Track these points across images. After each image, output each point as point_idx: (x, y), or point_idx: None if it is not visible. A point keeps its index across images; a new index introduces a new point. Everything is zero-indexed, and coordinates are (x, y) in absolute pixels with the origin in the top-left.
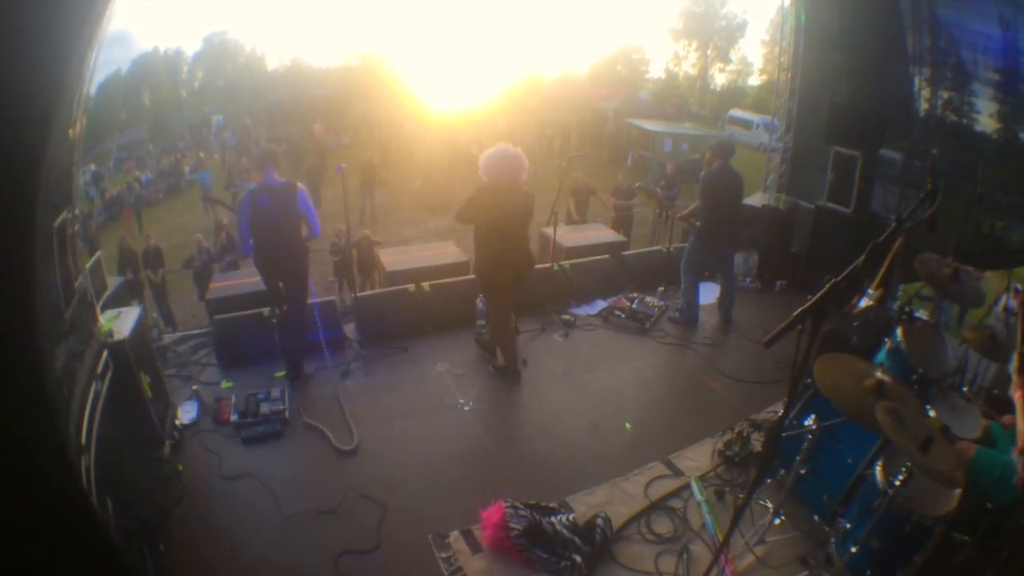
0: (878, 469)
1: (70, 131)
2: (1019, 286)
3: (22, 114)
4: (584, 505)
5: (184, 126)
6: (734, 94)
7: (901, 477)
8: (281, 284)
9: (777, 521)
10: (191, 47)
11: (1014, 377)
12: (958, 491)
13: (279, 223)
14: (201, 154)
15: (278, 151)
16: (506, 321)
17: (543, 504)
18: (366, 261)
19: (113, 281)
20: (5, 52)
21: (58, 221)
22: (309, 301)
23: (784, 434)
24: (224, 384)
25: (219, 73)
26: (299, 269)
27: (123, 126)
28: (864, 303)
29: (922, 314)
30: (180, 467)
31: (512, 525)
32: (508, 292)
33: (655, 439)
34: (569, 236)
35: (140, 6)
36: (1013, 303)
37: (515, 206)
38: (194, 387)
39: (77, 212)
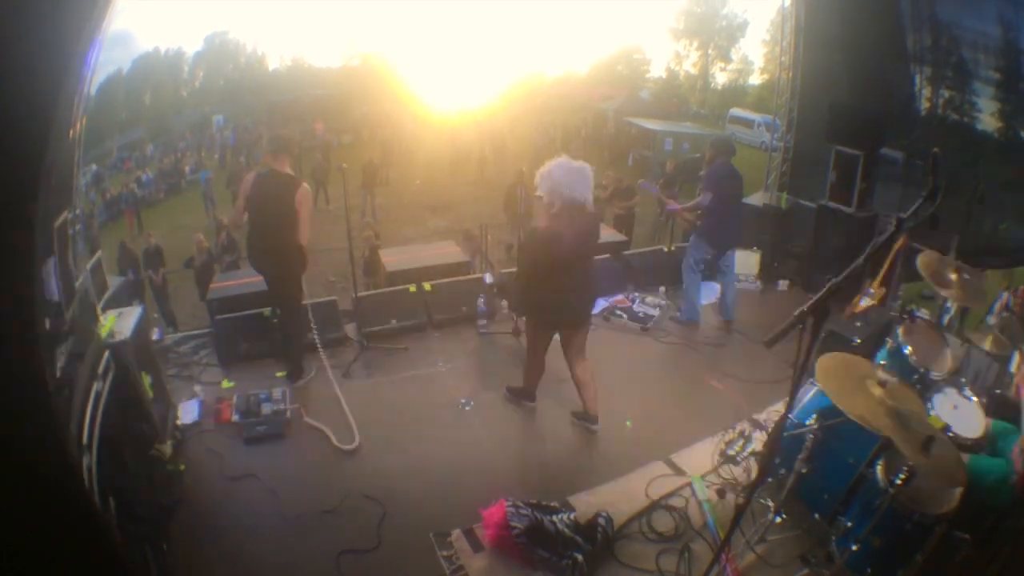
0: (879, 468)
1: (71, 131)
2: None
3: (23, 114)
4: (585, 504)
5: (185, 126)
6: (735, 93)
7: (902, 476)
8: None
9: (778, 520)
10: (192, 47)
11: (1017, 373)
12: (959, 490)
13: (275, 215)
14: (202, 153)
15: (293, 139)
16: (541, 354)
17: (544, 503)
18: (372, 263)
19: (114, 281)
20: (5, 52)
21: (59, 221)
22: (305, 302)
23: (785, 433)
24: (225, 384)
25: (220, 73)
26: (287, 266)
27: (124, 126)
28: (866, 302)
29: (924, 313)
30: (182, 467)
31: (514, 524)
32: (554, 332)
33: (656, 438)
34: None
35: (141, 6)
36: (1011, 300)
37: (581, 233)
38: (195, 387)
39: (78, 212)
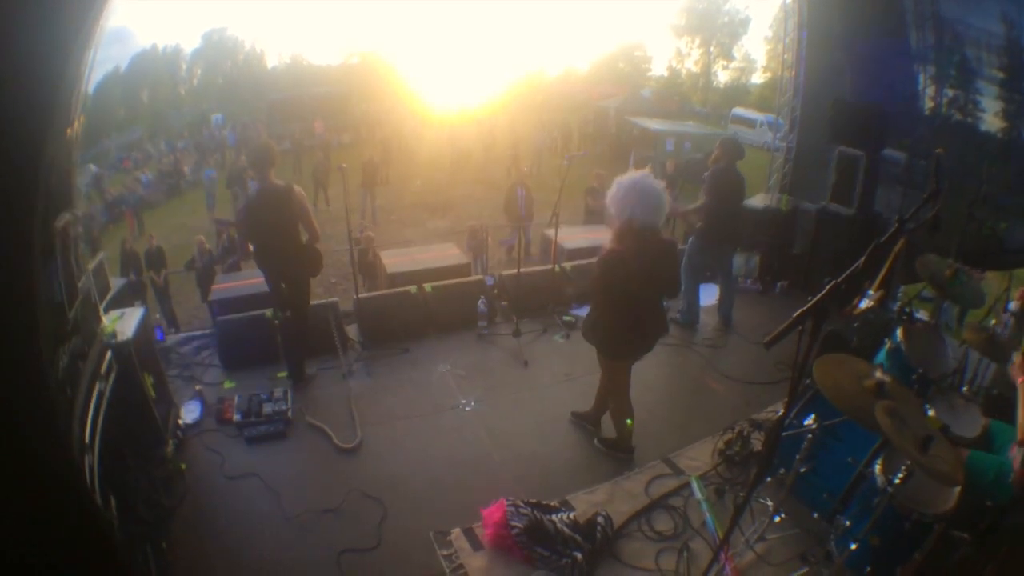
0: (878, 468)
1: (68, 131)
2: None
3: (21, 113)
4: (585, 503)
5: (183, 124)
6: (737, 92)
7: (900, 475)
8: (283, 286)
9: (777, 519)
10: (190, 44)
11: (1017, 360)
12: (957, 489)
13: (278, 228)
14: (201, 153)
15: (275, 150)
16: (626, 392)
17: (544, 502)
18: (365, 264)
19: (116, 282)
20: (3, 51)
21: (60, 222)
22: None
23: (784, 433)
24: (227, 384)
25: (218, 70)
26: (300, 273)
27: (121, 125)
28: (865, 304)
29: (923, 315)
30: (183, 466)
31: (513, 523)
32: (635, 360)
33: (656, 438)
34: (570, 237)
35: (139, 3)
36: (1014, 305)
37: (654, 256)
38: (197, 387)
39: (79, 213)
